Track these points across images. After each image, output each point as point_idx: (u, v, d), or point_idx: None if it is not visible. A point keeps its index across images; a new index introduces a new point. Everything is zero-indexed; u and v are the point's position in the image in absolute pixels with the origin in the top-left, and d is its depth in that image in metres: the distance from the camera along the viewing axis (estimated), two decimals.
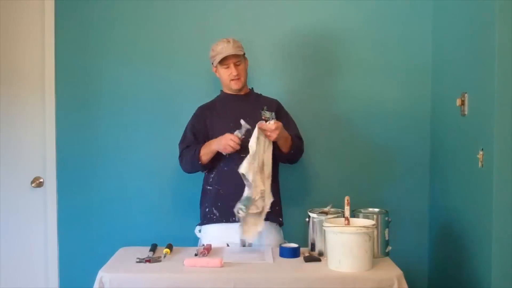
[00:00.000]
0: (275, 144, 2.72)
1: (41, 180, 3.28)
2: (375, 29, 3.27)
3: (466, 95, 2.71)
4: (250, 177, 2.56)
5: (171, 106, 3.27)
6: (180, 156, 2.88)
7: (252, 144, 2.58)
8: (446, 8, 3.06)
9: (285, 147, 2.77)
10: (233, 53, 2.80)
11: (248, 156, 2.59)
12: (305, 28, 3.27)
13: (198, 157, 2.77)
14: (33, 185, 3.28)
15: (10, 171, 3.28)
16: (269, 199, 2.66)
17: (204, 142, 2.83)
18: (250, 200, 2.60)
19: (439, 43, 3.16)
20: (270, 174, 2.69)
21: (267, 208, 2.66)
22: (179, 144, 2.90)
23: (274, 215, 2.79)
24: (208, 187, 2.86)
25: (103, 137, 3.28)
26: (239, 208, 2.60)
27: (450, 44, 2.99)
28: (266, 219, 2.73)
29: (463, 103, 2.72)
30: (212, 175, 2.84)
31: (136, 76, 3.27)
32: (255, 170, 2.58)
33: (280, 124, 2.67)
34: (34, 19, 3.25)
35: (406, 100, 3.28)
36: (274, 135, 2.64)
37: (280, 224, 2.88)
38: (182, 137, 2.91)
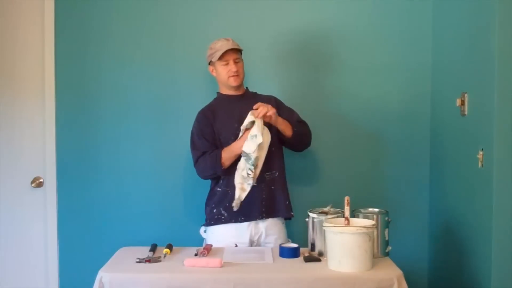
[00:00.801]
0: (280, 134, 2.78)
1: (41, 180, 3.28)
2: (375, 29, 3.27)
3: (466, 95, 2.71)
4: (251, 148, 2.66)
5: (171, 106, 3.27)
6: (196, 163, 2.85)
7: (244, 124, 2.69)
8: (446, 8, 3.06)
9: (287, 131, 2.79)
10: (234, 47, 2.81)
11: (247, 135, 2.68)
12: (304, 28, 3.27)
13: (220, 163, 2.77)
14: (33, 185, 3.28)
15: (10, 171, 3.28)
16: (259, 168, 2.71)
17: (215, 144, 2.84)
18: (255, 160, 2.66)
19: (439, 43, 3.16)
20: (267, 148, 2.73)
21: (257, 173, 2.70)
22: (191, 151, 2.88)
23: (284, 211, 2.83)
24: (218, 189, 2.85)
25: (103, 137, 3.28)
26: (248, 169, 2.67)
27: (450, 44, 2.99)
28: (272, 216, 2.79)
29: (463, 103, 2.72)
30: (223, 177, 2.83)
31: (136, 76, 3.27)
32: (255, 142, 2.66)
33: (269, 106, 2.70)
34: (34, 19, 3.25)
35: (406, 100, 3.28)
36: (271, 112, 2.67)
37: (289, 218, 2.90)
38: (192, 144, 2.89)
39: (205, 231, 2.90)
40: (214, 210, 2.84)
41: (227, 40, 2.84)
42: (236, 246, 2.76)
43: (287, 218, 2.89)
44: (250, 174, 2.68)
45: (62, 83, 3.26)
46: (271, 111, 2.69)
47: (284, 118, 2.85)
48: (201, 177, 2.89)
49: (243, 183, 2.70)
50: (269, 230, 2.82)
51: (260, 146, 2.66)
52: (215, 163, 2.77)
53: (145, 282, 2.29)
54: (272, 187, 2.81)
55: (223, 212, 2.81)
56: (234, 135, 2.79)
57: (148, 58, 3.27)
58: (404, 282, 2.31)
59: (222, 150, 2.79)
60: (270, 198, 2.81)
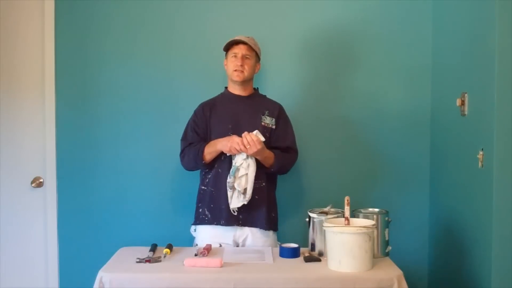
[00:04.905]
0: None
1: (41, 180, 3.28)
2: (375, 29, 3.27)
3: (466, 95, 2.71)
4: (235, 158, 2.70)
5: (170, 106, 3.27)
6: (181, 153, 2.87)
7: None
8: (446, 8, 3.06)
9: (266, 163, 2.76)
10: (244, 40, 2.80)
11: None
12: (304, 30, 3.27)
13: (201, 157, 2.77)
14: (33, 185, 3.28)
15: (10, 171, 3.28)
16: (251, 184, 2.68)
17: (206, 139, 2.83)
18: (235, 168, 2.67)
19: (439, 43, 3.16)
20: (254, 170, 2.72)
21: (249, 191, 2.68)
22: (181, 141, 2.90)
23: (263, 223, 2.78)
24: (203, 187, 2.85)
25: (103, 137, 3.28)
26: (229, 176, 2.68)
27: (450, 44, 2.99)
28: (250, 225, 2.77)
29: (463, 103, 2.72)
30: (209, 176, 2.83)
31: (136, 76, 3.27)
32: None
33: (260, 144, 2.64)
34: (34, 19, 3.25)
35: (406, 100, 3.28)
36: (250, 151, 2.63)
37: (274, 230, 2.86)
38: (183, 134, 2.91)
39: (195, 230, 2.90)
40: (200, 210, 2.84)
41: (247, 37, 2.85)
42: (220, 246, 2.75)
43: (267, 229, 2.81)
44: (229, 181, 2.68)
45: (62, 82, 3.26)
46: (249, 149, 2.63)
47: (277, 135, 2.83)
48: (185, 168, 2.89)
49: (228, 188, 2.71)
50: (255, 234, 2.79)
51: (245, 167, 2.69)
52: (196, 156, 2.78)
53: (145, 282, 2.29)
54: (256, 197, 2.74)
55: (207, 212, 2.81)
56: (225, 136, 2.77)
57: (148, 58, 3.27)
58: (404, 282, 2.31)
59: (206, 143, 2.79)
60: (251, 207, 2.74)
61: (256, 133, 2.66)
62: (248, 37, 2.85)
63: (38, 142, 3.28)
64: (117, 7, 3.26)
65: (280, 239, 2.89)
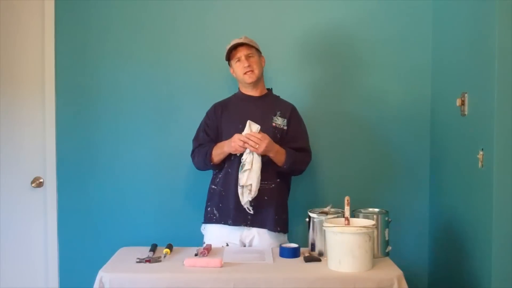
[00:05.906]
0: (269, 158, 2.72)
1: (41, 180, 3.28)
2: (375, 29, 3.27)
3: (466, 95, 2.71)
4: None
5: (170, 106, 3.27)
6: (192, 153, 2.89)
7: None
8: (446, 8, 3.06)
9: (277, 160, 2.75)
10: (242, 42, 2.79)
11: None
12: (304, 30, 3.27)
13: (210, 158, 2.78)
14: (33, 185, 3.28)
15: (10, 171, 3.28)
16: (256, 179, 2.65)
17: (216, 140, 2.83)
18: (242, 166, 2.67)
19: (439, 43, 3.16)
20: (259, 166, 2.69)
21: (254, 187, 2.65)
22: (192, 140, 2.91)
23: (272, 225, 2.77)
24: (213, 187, 2.86)
25: (103, 137, 3.28)
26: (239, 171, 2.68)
27: (450, 44, 2.99)
28: (258, 226, 2.75)
29: (463, 103, 2.72)
30: (219, 176, 2.83)
31: (136, 76, 3.27)
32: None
33: (265, 137, 2.65)
34: (34, 19, 3.25)
35: (406, 100, 3.28)
36: (261, 149, 2.62)
37: (284, 232, 2.85)
38: (195, 134, 2.92)
39: (204, 228, 2.91)
40: (208, 209, 2.85)
41: (240, 38, 2.84)
42: (227, 245, 2.76)
43: (275, 231, 2.79)
44: (240, 178, 2.67)
45: (62, 83, 3.26)
46: (259, 148, 2.63)
47: (289, 136, 2.82)
48: (196, 168, 2.91)
49: (239, 186, 2.69)
50: (263, 235, 2.79)
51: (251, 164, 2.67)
52: (205, 157, 2.79)
53: (145, 282, 2.29)
54: (265, 198, 2.74)
55: (215, 212, 2.81)
56: None
57: (148, 58, 3.27)
58: (404, 282, 2.31)
59: (214, 145, 2.79)
60: (259, 208, 2.73)
61: (256, 129, 2.66)
62: (241, 38, 2.84)
63: (38, 142, 3.28)
64: (117, 7, 3.27)
65: None
